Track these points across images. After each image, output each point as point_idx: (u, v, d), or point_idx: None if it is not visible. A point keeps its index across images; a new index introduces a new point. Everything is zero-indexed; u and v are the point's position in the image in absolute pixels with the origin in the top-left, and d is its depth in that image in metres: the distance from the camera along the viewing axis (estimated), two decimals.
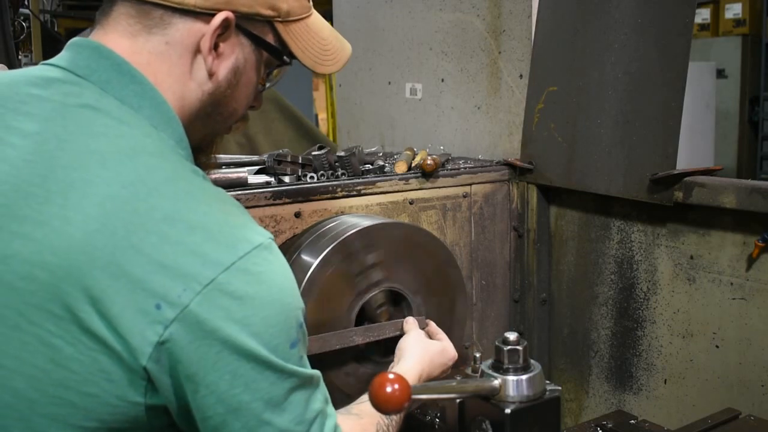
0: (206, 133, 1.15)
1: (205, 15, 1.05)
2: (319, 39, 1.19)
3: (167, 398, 0.96)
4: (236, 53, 1.10)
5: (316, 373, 1.05)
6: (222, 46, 1.07)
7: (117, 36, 1.06)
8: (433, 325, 1.60)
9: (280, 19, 1.12)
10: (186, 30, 1.05)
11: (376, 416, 1.19)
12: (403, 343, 1.48)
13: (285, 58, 1.16)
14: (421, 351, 1.46)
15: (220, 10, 1.05)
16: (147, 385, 0.94)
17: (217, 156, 1.92)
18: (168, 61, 1.06)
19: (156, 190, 0.95)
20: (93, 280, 0.91)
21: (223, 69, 1.09)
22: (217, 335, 0.92)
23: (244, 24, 1.09)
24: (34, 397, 0.94)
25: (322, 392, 1.06)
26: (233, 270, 0.93)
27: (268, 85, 1.20)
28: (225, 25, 1.05)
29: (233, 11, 1.06)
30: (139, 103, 1.03)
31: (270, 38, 1.13)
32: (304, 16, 1.17)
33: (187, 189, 0.98)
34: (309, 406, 1.01)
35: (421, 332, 1.53)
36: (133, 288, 0.91)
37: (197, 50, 1.06)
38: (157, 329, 0.91)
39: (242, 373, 0.94)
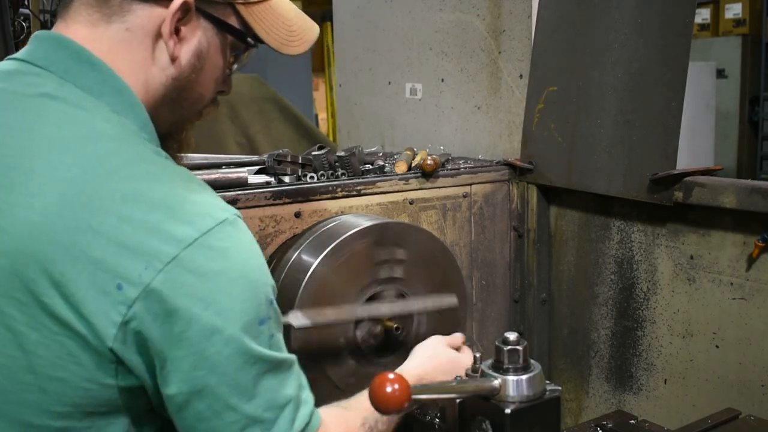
0: (175, 119, 1.15)
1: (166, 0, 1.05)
2: (284, 20, 1.18)
3: (142, 378, 0.96)
4: (198, 37, 1.09)
5: (289, 357, 1.03)
6: (183, 30, 1.07)
7: (77, 26, 1.06)
8: (458, 336, 1.53)
9: (241, 1, 1.12)
10: (145, 16, 1.04)
11: (364, 411, 1.17)
12: (416, 347, 1.47)
13: (249, 40, 1.15)
14: (429, 354, 1.44)
15: None
16: (117, 366, 0.94)
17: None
18: (129, 48, 1.05)
19: (116, 173, 0.95)
20: (54, 263, 0.91)
21: (185, 53, 1.08)
22: (181, 313, 0.91)
23: (204, 7, 1.08)
24: (4, 385, 0.95)
25: (297, 378, 1.04)
26: (196, 246, 0.93)
27: (235, 68, 1.19)
28: (185, 8, 1.05)
29: None
30: (99, 90, 1.03)
31: (232, 21, 1.12)
32: None
33: (148, 169, 0.98)
34: (280, 391, 1.00)
35: (441, 339, 1.49)
36: (93, 270, 0.91)
37: (158, 35, 1.06)
38: (121, 309, 0.91)
39: (207, 355, 0.93)
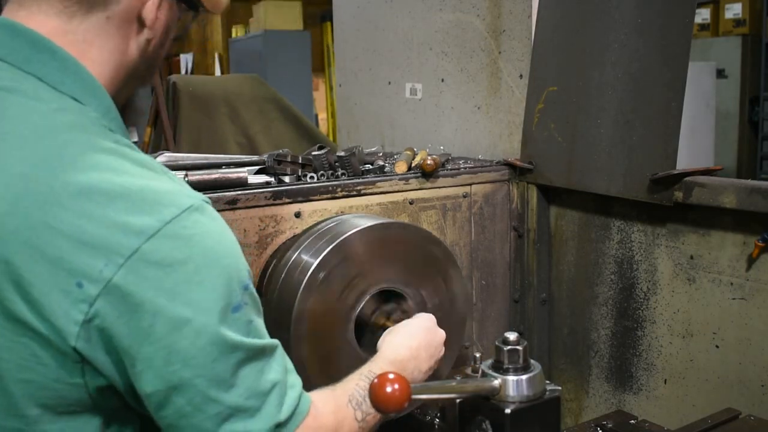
0: (138, 85, 1.16)
1: None
2: None
3: (111, 377, 0.93)
4: (166, 13, 1.09)
5: (271, 342, 1.00)
6: (158, 11, 1.07)
7: (44, 17, 1.02)
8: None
9: None
10: (128, 2, 1.04)
11: (349, 390, 1.15)
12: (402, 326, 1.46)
13: (200, 8, 1.15)
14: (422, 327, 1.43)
15: None
16: (83, 366, 0.92)
17: (217, 157, 1.92)
18: (106, 36, 1.04)
19: (71, 165, 0.92)
20: (12, 265, 0.89)
21: (159, 32, 1.09)
22: (147, 307, 0.89)
23: None
24: None
25: (280, 362, 1.01)
26: (159, 237, 0.90)
27: (185, 29, 1.22)
28: None
29: None
30: (60, 79, 1.00)
31: None
32: None
33: (105, 160, 0.94)
34: (263, 377, 0.97)
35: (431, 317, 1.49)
36: (51, 269, 0.88)
37: (137, 20, 1.05)
38: (82, 308, 0.88)
39: (179, 348, 0.90)
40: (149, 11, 1.05)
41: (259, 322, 1.00)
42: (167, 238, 0.91)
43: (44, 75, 1.00)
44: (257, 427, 0.96)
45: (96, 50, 1.04)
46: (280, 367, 1.01)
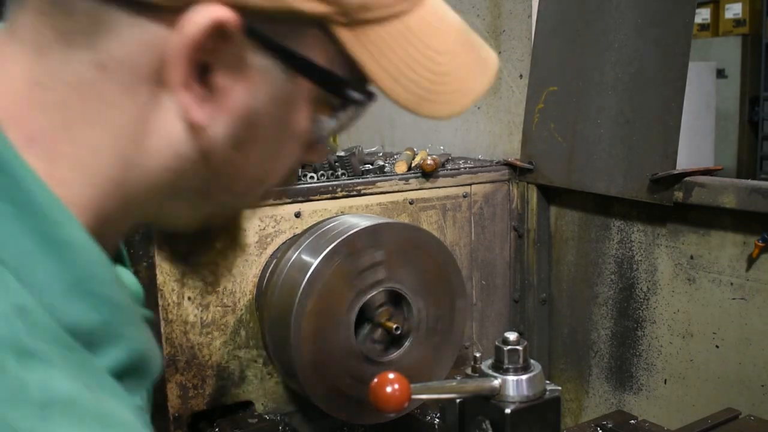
0: (206, 215, 0.67)
1: (175, 12, 0.54)
2: (427, 52, 0.64)
3: None
4: (247, 86, 0.58)
5: None
6: (216, 73, 0.57)
7: (18, 49, 0.56)
8: None
9: (343, 19, 0.58)
10: (135, 42, 0.55)
11: None
12: None
13: (353, 93, 0.63)
14: None
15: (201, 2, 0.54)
16: None
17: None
18: (101, 102, 0.56)
19: None
20: None
21: (219, 116, 0.58)
22: None
23: (262, 28, 0.56)
24: None
25: None
26: None
27: (331, 125, 0.65)
28: (218, 33, 0.54)
29: (236, 5, 0.54)
30: None
31: (321, 54, 0.60)
32: (396, 10, 0.61)
33: None
34: None
35: None
36: None
37: (160, 81, 0.56)
38: None
39: None
40: (177, 70, 0.55)
41: None
42: None
43: None
44: None
45: (85, 132, 0.56)
46: None
